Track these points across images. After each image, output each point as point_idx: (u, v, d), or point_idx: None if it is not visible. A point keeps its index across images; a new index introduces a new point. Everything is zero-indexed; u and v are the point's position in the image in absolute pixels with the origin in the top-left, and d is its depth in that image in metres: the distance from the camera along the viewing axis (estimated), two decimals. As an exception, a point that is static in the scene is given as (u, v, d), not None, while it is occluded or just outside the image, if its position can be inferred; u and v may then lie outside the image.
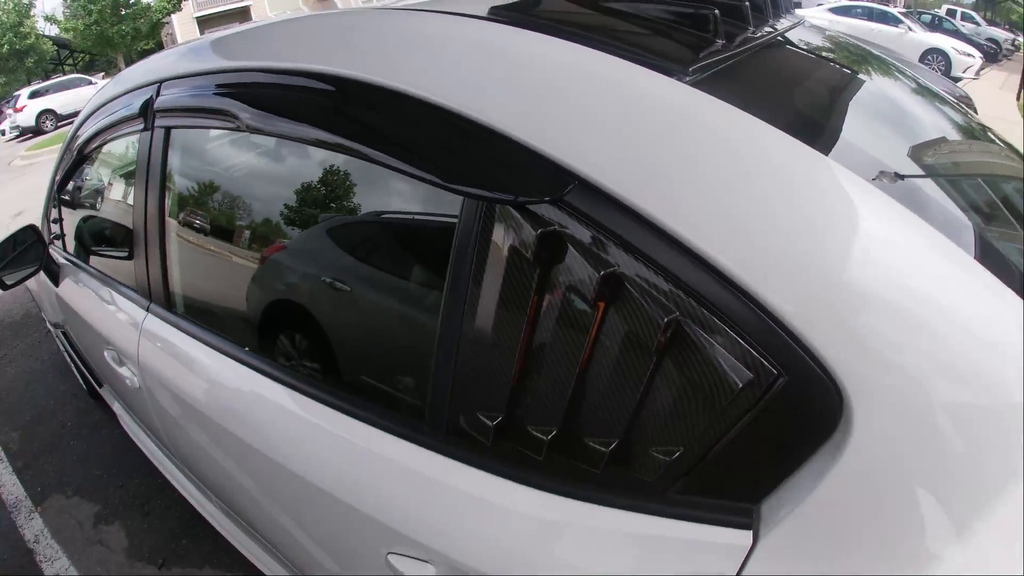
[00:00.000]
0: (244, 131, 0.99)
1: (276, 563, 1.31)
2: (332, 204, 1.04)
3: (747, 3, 0.83)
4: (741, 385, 0.54)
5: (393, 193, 0.93)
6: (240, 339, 1.12)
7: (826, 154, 0.59)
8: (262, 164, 1.19)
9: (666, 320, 0.56)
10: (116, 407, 2.46)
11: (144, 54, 26.53)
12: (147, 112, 1.28)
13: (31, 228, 2.25)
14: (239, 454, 1.07)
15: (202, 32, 28.08)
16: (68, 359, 3.02)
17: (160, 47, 30.52)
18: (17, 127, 20.14)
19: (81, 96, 19.93)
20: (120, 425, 2.52)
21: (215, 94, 1.08)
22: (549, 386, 0.65)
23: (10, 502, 2.72)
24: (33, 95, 20.20)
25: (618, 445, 0.62)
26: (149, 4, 18.48)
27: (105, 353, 1.58)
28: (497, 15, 0.77)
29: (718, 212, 0.56)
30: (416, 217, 0.92)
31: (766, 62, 0.84)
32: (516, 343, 0.66)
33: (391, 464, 0.81)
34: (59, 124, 19.60)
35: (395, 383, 0.92)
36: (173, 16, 21.69)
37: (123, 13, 17.52)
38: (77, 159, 1.90)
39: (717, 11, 0.76)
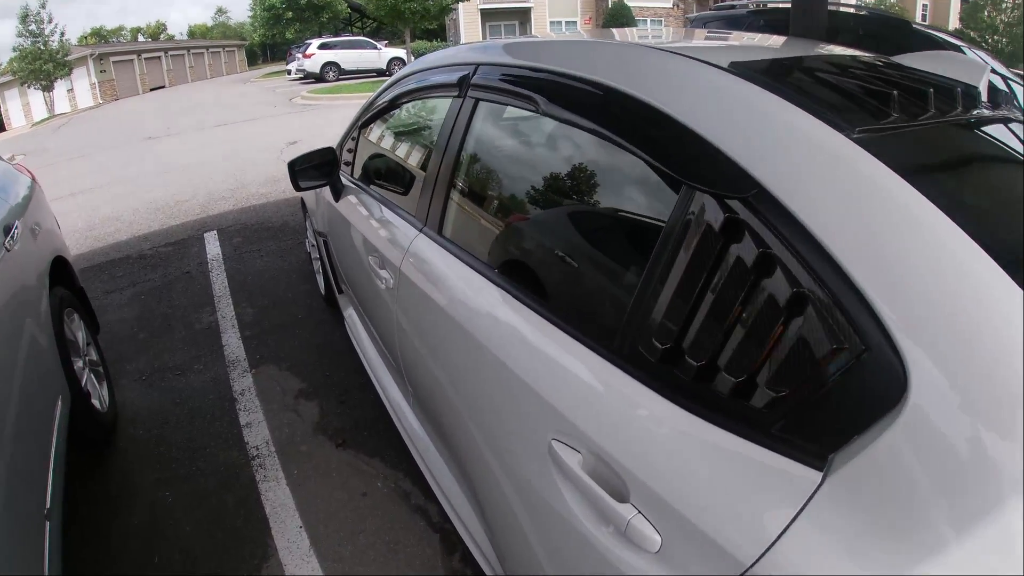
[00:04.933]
0: (540, 114, 1.27)
1: (447, 467, 1.61)
2: (575, 195, 1.30)
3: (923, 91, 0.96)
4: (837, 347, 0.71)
5: (620, 187, 1.17)
6: (489, 266, 1.39)
7: (951, 218, 0.70)
8: (541, 151, 1.47)
9: (795, 292, 0.75)
10: (347, 312, 2.88)
11: (427, 33, 28.86)
12: (463, 85, 1.62)
13: (330, 150, 2.59)
14: (466, 346, 1.36)
15: (484, 23, 29.85)
16: (319, 264, 3.50)
17: (443, 30, 33.34)
18: (302, 70, 22.83)
19: (364, 57, 22.32)
20: (344, 327, 2.94)
21: (519, 83, 1.38)
22: (705, 332, 0.84)
23: (230, 359, 3.26)
24: (323, 46, 22.78)
25: (744, 381, 0.79)
26: (444, -11, 19.64)
27: (369, 258, 1.98)
28: (734, 69, 0.99)
29: (850, 229, 0.73)
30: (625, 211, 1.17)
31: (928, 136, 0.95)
32: (686, 296, 0.86)
33: (584, 371, 1.03)
34: (340, 77, 21.92)
35: (600, 320, 1.10)
36: (460, 4, 23.03)
37: (418, -7, 18.85)
38: (382, 108, 2.34)
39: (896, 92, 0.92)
